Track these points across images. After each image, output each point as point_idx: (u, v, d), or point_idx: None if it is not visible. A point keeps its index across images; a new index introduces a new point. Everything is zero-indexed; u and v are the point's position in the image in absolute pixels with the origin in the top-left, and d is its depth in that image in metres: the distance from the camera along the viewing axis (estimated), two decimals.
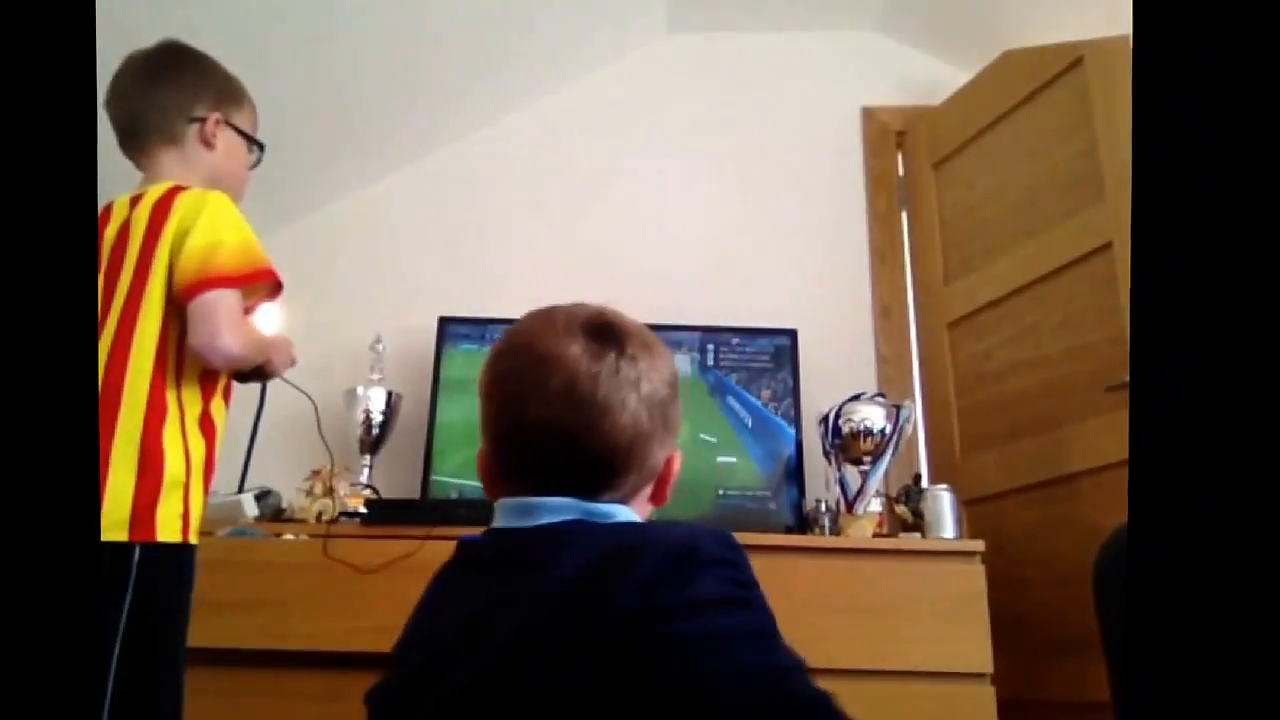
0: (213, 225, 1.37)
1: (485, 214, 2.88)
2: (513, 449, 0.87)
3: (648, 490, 0.90)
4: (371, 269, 2.80)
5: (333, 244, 2.83)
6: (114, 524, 1.25)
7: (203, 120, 1.52)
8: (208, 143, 1.52)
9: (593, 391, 0.82)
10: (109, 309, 1.35)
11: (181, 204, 1.39)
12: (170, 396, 1.34)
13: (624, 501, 0.87)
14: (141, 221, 1.39)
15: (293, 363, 1.58)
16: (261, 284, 1.44)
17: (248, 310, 1.44)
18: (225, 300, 1.35)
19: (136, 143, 1.50)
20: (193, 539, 1.34)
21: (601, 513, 0.84)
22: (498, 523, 0.87)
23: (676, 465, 0.91)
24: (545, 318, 0.88)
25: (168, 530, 1.29)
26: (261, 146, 1.62)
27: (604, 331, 0.86)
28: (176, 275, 1.35)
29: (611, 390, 0.83)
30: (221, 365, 1.38)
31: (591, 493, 0.85)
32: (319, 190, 2.81)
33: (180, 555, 1.32)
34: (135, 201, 1.42)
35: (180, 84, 1.51)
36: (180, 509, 1.32)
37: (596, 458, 0.83)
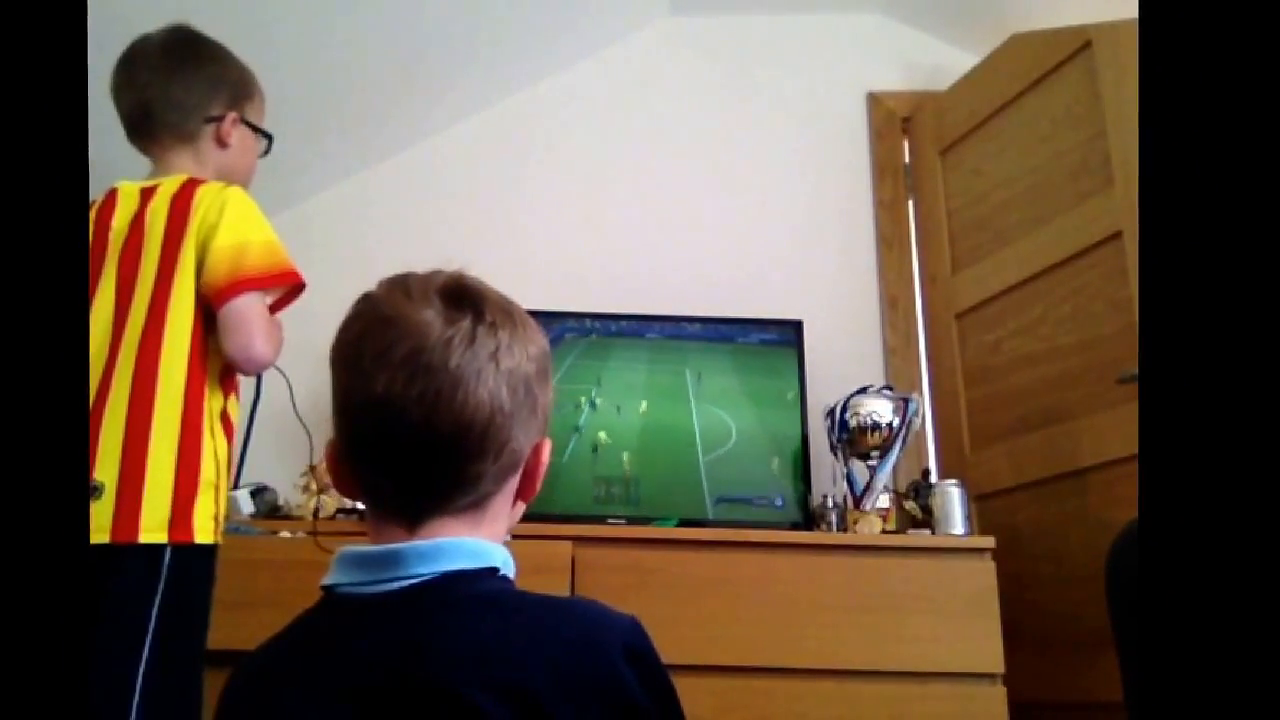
0: (238, 224, 1.38)
1: (480, 200, 2.83)
2: (356, 431, 0.77)
3: (514, 484, 0.81)
4: (363, 257, 2.74)
5: (323, 231, 2.77)
6: (156, 524, 1.26)
7: (219, 119, 1.51)
8: (223, 142, 1.51)
9: (444, 359, 0.72)
10: (129, 304, 1.34)
11: (202, 199, 1.39)
12: (203, 393, 1.35)
13: (486, 501, 0.78)
14: (160, 215, 1.38)
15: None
16: (285, 284, 1.44)
17: (270, 309, 1.44)
18: (256, 307, 1.36)
19: (148, 135, 1.49)
20: (220, 538, 1.36)
21: (467, 554, 0.75)
22: (334, 578, 0.77)
23: (545, 455, 0.82)
24: (398, 281, 0.78)
25: (203, 531, 1.31)
26: (270, 137, 1.61)
27: (461, 296, 0.76)
28: (207, 276, 1.35)
29: (466, 360, 0.73)
30: (254, 373, 1.41)
31: (446, 491, 0.76)
32: (309, 177, 2.76)
33: (209, 555, 1.34)
34: (148, 193, 1.41)
35: (198, 81, 1.49)
36: (214, 510, 1.34)
37: (446, 439, 0.73)
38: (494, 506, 0.80)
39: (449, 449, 0.74)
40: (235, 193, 1.41)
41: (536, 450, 0.81)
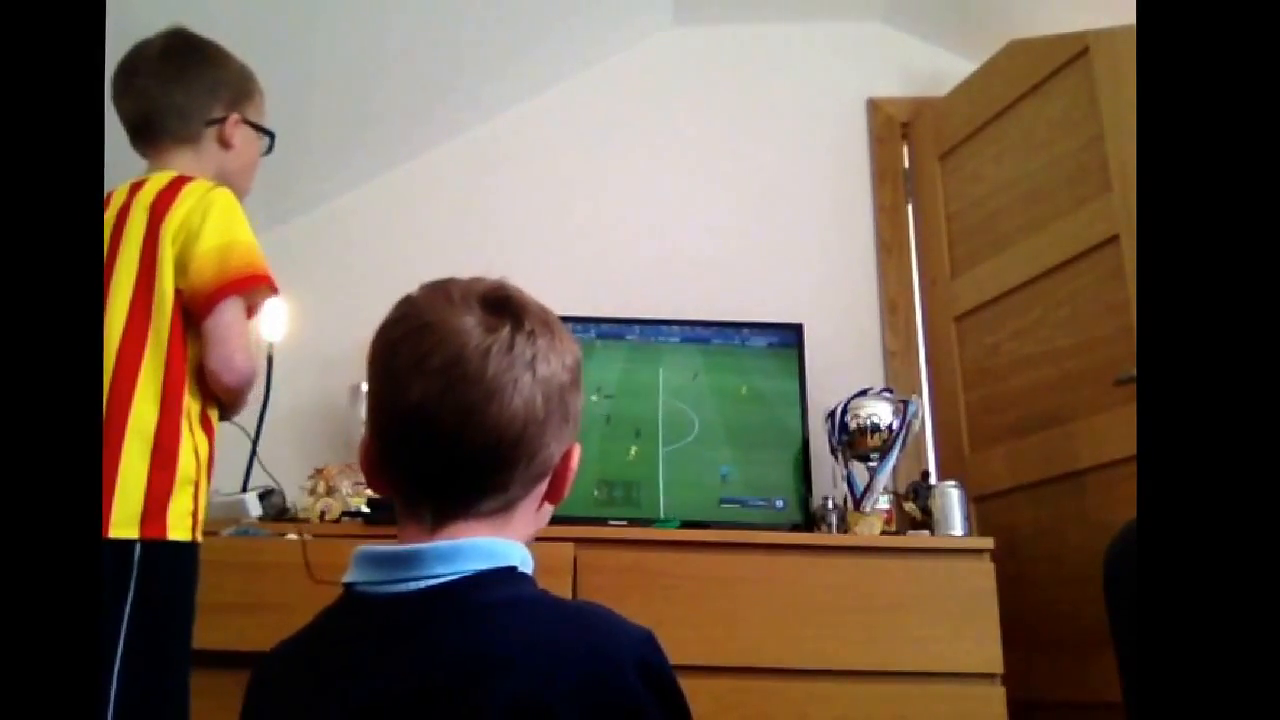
0: (223, 226, 1.37)
1: (491, 206, 2.85)
2: (389, 437, 0.78)
3: (542, 488, 0.82)
4: (382, 261, 2.76)
5: (343, 236, 2.80)
6: (127, 519, 1.23)
7: (221, 121, 1.51)
8: (226, 143, 1.51)
9: (481, 370, 0.73)
10: (108, 294, 1.33)
11: (187, 197, 1.38)
12: (182, 391, 1.33)
13: (513, 505, 0.79)
14: (143, 208, 1.37)
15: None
16: (262, 287, 1.43)
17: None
18: (241, 318, 1.36)
19: (149, 141, 1.49)
20: (198, 536, 1.34)
21: (486, 554, 0.76)
22: (353, 575, 0.78)
23: (575, 460, 0.83)
24: (439, 287, 0.79)
25: (179, 528, 1.29)
26: (272, 135, 1.60)
27: (501, 305, 0.77)
28: (193, 279, 1.34)
29: (503, 369, 0.74)
30: (235, 384, 1.37)
31: (474, 497, 0.77)
32: (329, 183, 2.79)
33: (185, 553, 1.31)
34: (136, 188, 1.41)
35: (198, 86, 1.49)
36: (191, 506, 1.31)
37: (478, 449, 0.74)
38: (520, 510, 0.81)
39: (480, 459, 0.75)
40: (221, 194, 1.40)
41: (566, 455, 0.82)
